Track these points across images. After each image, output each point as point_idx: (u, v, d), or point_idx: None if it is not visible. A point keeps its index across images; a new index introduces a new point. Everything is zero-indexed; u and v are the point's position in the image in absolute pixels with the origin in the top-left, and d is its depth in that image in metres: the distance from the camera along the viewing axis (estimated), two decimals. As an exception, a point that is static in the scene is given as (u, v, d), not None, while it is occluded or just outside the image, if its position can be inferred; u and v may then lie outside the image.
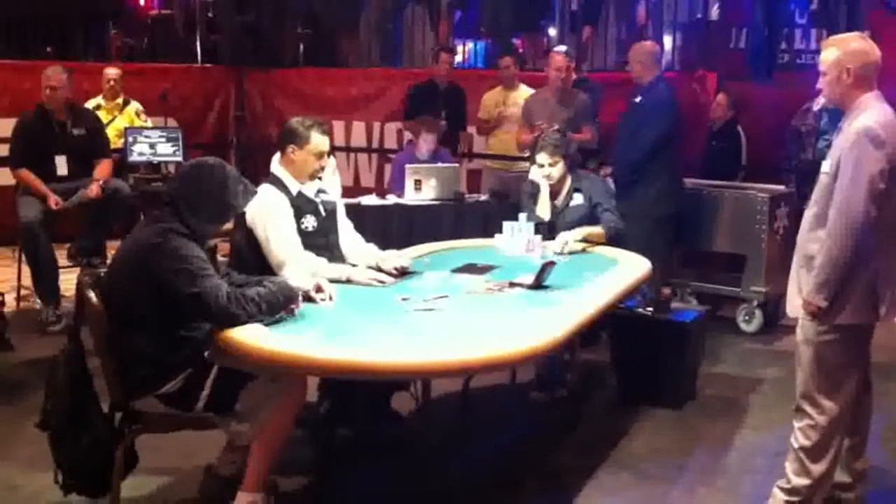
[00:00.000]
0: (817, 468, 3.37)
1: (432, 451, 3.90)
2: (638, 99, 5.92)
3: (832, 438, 3.37)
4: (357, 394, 3.97)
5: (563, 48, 6.83)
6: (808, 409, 3.38)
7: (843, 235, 3.17)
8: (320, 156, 3.91)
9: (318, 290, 3.43)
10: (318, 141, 3.88)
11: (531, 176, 5.03)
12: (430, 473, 3.69)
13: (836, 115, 3.59)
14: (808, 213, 3.40)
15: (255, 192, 3.42)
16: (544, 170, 4.87)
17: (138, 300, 3.08)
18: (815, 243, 3.30)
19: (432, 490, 3.61)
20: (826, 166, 3.31)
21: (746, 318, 6.12)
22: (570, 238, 4.64)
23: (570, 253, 4.55)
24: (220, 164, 3.29)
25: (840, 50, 3.29)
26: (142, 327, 3.10)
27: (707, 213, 6.25)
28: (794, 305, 3.42)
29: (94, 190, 5.85)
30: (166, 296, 3.05)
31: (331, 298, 3.43)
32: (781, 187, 6.45)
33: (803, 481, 3.39)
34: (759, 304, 6.07)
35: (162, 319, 3.10)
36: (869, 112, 3.23)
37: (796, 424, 3.42)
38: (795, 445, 3.41)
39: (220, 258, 3.46)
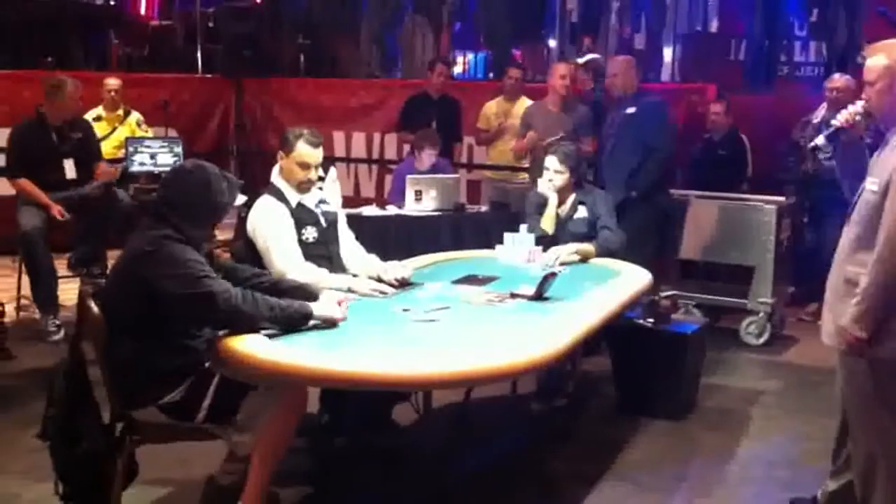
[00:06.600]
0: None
1: (431, 460, 3.89)
2: (632, 110, 5.91)
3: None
4: (357, 404, 3.96)
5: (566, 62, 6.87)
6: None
7: (893, 259, 2.86)
8: (304, 167, 3.85)
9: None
10: (303, 150, 3.84)
11: (540, 188, 5.01)
12: (429, 483, 3.69)
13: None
14: (849, 234, 3.06)
15: (241, 184, 3.37)
16: (549, 174, 4.85)
17: (135, 309, 3.07)
18: (855, 266, 2.98)
19: (431, 499, 3.60)
20: (872, 184, 2.97)
21: (756, 330, 6.07)
22: (561, 253, 4.62)
23: (563, 264, 4.51)
24: (199, 164, 3.28)
25: (890, 57, 2.96)
26: (141, 337, 3.08)
27: (713, 224, 6.22)
28: (830, 332, 3.11)
29: (106, 173, 6.07)
30: (164, 304, 3.03)
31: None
32: (783, 198, 6.44)
33: None
34: (767, 316, 6.05)
35: (161, 329, 3.09)
36: None
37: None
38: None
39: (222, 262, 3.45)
